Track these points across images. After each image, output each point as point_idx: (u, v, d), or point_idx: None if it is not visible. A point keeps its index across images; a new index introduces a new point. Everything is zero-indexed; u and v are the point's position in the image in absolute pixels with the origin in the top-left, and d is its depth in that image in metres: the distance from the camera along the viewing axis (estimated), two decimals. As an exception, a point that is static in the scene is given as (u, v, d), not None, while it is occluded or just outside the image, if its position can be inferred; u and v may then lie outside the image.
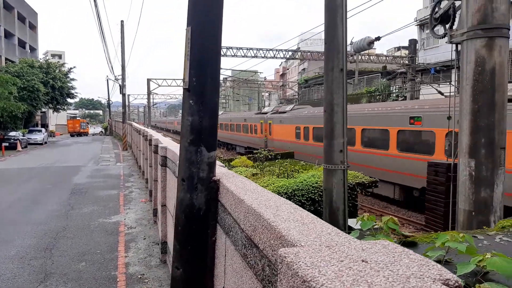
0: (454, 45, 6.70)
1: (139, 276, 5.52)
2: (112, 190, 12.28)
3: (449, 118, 6.57)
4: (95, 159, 22.11)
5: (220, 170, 3.00)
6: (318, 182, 7.37)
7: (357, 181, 7.57)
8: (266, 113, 26.95)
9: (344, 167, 5.67)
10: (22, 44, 45.45)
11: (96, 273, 5.62)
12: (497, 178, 5.94)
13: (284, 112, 23.44)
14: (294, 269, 1.05)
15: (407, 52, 29.81)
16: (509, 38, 5.89)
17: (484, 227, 5.26)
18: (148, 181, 11.72)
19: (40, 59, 45.82)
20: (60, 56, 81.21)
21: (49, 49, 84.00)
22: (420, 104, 12.79)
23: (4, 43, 39.04)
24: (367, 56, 32.32)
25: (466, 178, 6.01)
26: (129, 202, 10.45)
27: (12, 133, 30.66)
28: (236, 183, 2.46)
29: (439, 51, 26.01)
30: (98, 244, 6.90)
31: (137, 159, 18.99)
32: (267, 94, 68.80)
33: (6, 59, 38.75)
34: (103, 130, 62.79)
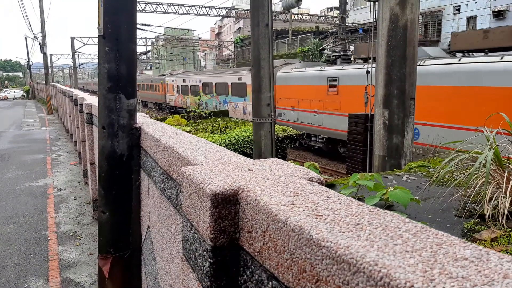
0: (372, 5, 7.06)
1: (71, 234, 5.51)
2: (38, 154, 11.67)
3: (367, 72, 7.07)
4: (17, 124, 20.59)
5: (143, 119, 3.08)
6: (250, 136, 7.65)
7: (286, 135, 7.97)
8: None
9: (271, 119, 5.96)
10: None
11: (25, 234, 5.51)
12: (407, 126, 6.58)
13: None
14: (190, 179, 1.23)
15: (338, 12, 30.53)
16: (420, -4, 6.35)
17: (395, 169, 5.90)
18: (76, 143, 11.29)
19: None
20: (-34, 11, 71.88)
21: (-48, 2, 73.89)
22: None
23: None
24: (300, 16, 32.60)
25: (381, 126, 6.58)
26: (57, 166, 10.06)
27: None
28: (156, 128, 2.57)
29: (368, 11, 27.00)
30: (25, 207, 6.68)
31: (64, 122, 18.01)
32: (203, 54, 67.13)
33: None
34: (24, 94, 57.98)
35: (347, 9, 29.24)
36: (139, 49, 52.90)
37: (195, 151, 1.73)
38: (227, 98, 20.56)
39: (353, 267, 0.63)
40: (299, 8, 27.94)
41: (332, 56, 14.25)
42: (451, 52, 11.35)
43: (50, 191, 7.65)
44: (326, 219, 0.82)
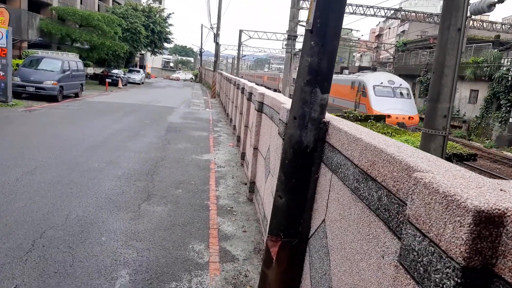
0: None
1: (229, 209, 6.02)
2: (202, 132, 13.10)
3: None
4: (186, 103, 23.49)
5: (328, 115, 3.11)
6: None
7: (454, 152, 7.19)
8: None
9: (445, 133, 5.43)
10: (127, -14, 47.97)
11: (191, 200, 6.24)
12: None
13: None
14: (433, 188, 1.15)
15: (529, 20, 26.11)
16: None
17: None
18: (235, 127, 12.27)
19: (143, 2, 48.37)
20: (160, 1, 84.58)
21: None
22: None
23: (111, -15, 41.66)
24: (479, 23, 29.04)
25: None
26: (218, 145, 11.12)
27: (115, 71, 33.43)
28: (347, 125, 2.56)
29: None
30: (192, 176, 7.57)
31: (224, 106, 19.80)
32: (358, 55, 65.65)
33: (113, 0, 41.47)
34: (193, 77, 66.68)
35: (542, 17, 24.75)
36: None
37: (410, 156, 1.64)
38: None
39: None
40: (480, 13, 24.81)
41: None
42: None
43: (212, 166, 8.50)
44: None
